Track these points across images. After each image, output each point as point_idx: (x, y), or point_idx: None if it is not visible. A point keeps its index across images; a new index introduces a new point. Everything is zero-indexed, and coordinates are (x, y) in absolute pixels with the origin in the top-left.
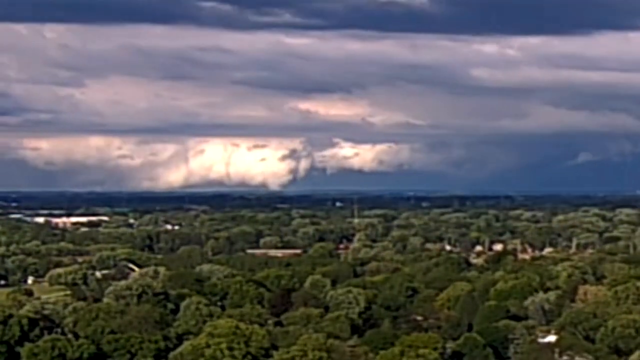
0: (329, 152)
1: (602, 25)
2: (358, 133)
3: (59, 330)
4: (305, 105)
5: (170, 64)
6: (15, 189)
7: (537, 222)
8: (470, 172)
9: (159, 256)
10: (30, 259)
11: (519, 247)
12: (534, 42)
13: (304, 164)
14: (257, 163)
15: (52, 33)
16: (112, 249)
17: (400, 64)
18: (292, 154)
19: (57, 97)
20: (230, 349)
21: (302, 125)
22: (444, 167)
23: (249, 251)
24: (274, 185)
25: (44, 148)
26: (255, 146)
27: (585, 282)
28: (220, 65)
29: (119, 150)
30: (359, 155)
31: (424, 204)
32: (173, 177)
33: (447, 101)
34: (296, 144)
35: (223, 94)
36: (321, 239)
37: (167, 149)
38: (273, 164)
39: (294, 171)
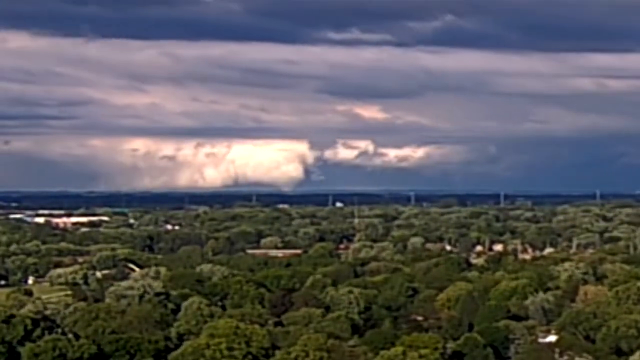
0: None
1: None
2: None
3: (60, 330)
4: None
5: (243, 75)
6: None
7: (537, 222)
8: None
9: (159, 256)
10: (30, 259)
11: (519, 247)
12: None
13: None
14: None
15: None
16: (113, 249)
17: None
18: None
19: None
20: (231, 349)
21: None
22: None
23: (250, 251)
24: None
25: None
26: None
27: (585, 282)
28: (284, 74)
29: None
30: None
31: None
32: (227, 176)
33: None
34: (367, 144)
35: (277, 98)
36: (321, 239)
37: (237, 149)
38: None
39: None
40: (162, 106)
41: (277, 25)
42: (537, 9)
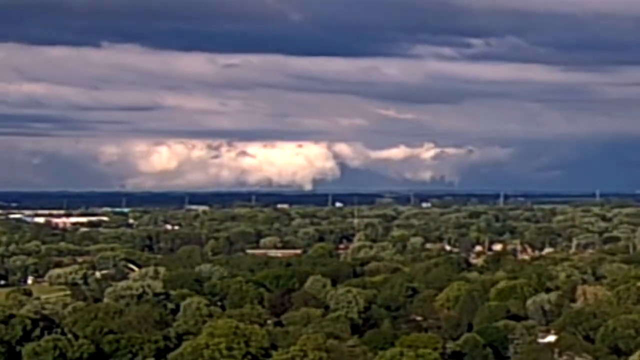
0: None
1: None
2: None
3: (59, 330)
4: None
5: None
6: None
7: (537, 222)
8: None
9: (159, 256)
10: (30, 259)
11: (519, 247)
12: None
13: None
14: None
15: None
16: (112, 249)
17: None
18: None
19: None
20: (230, 349)
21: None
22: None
23: (249, 251)
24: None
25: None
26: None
27: (585, 282)
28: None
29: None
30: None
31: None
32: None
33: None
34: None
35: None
36: (321, 239)
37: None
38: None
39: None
40: (209, 110)
41: (343, 39)
42: (584, 28)
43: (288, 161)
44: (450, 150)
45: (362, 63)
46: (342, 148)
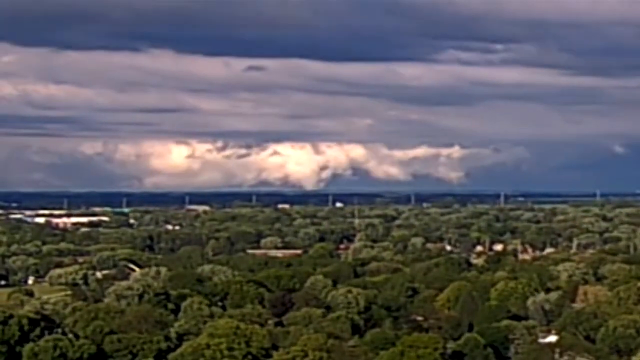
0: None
1: None
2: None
3: (59, 330)
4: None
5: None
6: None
7: (537, 222)
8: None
9: (160, 256)
10: (30, 259)
11: (520, 248)
12: None
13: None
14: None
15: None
16: (113, 249)
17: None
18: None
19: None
20: (231, 349)
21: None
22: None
23: (250, 251)
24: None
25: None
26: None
27: (585, 282)
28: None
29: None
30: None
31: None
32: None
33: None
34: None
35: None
36: (322, 239)
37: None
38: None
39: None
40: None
41: (366, 44)
42: (596, 35)
43: (313, 161)
44: (469, 151)
45: (384, 67)
46: (363, 149)
